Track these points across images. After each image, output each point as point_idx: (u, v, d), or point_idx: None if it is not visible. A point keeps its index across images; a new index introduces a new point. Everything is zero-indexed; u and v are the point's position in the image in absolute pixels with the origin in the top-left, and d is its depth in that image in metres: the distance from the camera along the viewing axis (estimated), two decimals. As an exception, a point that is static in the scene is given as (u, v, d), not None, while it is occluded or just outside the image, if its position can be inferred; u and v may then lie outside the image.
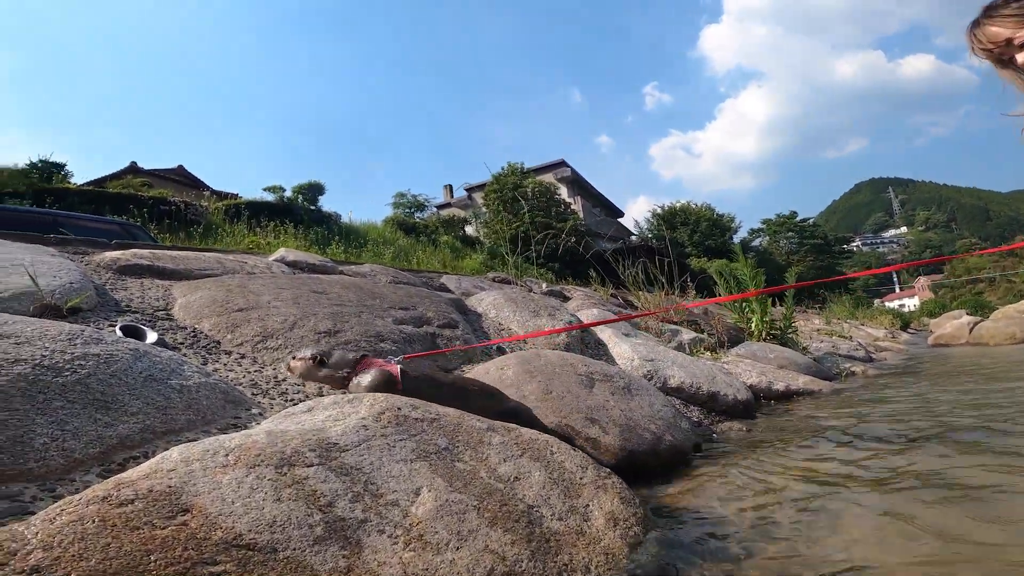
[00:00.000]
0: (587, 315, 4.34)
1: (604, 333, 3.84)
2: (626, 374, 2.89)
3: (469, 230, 27.14)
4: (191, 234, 13.99)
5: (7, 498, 0.90)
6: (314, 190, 24.38)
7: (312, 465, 1.04)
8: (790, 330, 6.41)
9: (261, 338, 2.08)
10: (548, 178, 29.26)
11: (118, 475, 0.86)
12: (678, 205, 42.64)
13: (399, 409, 1.41)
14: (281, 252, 3.52)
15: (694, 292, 7.38)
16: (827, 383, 4.98)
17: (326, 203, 24.99)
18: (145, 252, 2.85)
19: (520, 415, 1.96)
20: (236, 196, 20.90)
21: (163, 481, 0.83)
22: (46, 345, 1.24)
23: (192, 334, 2.07)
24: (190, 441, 1.26)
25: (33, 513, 0.86)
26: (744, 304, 6.43)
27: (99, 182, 20.04)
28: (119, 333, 1.92)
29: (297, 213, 19.62)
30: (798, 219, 45.99)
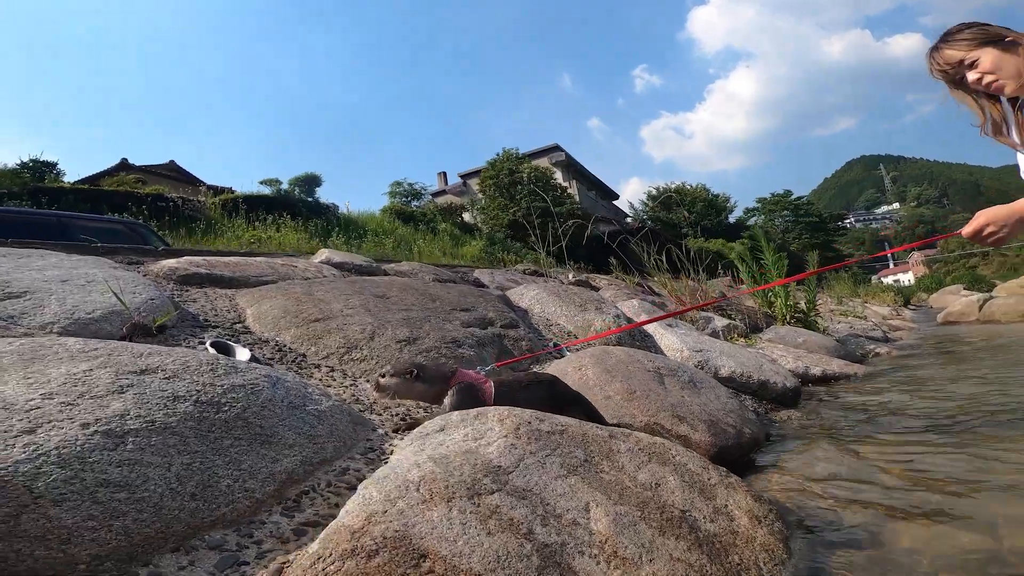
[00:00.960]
0: (627, 307, 4.33)
1: (649, 326, 3.83)
2: (686, 367, 2.89)
3: (466, 217, 27.04)
4: (192, 230, 13.84)
5: (215, 548, 0.87)
6: (310, 182, 24.08)
7: (493, 492, 1.02)
8: (813, 313, 6.43)
9: (346, 350, 2.05)
10: (543, 163, 29.18)
11: (336, 521, 0.84)
12: (673, 186, 42.62)
13: (530, 423, 1.40)
14: (325, 253, 3.47)
15: (705, 276, 7.34)
16: (859, 366, 5.01)
17: (323, 194, 24.88)
18: (199, 260, 2.81)
19: (600, 418, 1.95)
20: (231, 190, 20.73)
21: (388, 525, 0.81)
22: (194, 378, 1.20)
23: (277, 348, 2.03)
24: (342, 470, 1.24)
25: (247, 563, 0.84)
26: (768, 290, 6.45)
27: (92, 180, 19.74)
28: (211, 350, 1.88)
29: (295, 205, 19.51)
30: (792, 198, 46.05)
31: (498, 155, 27.73)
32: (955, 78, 1.72)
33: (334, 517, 0.88)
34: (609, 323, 3.50)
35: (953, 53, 1.69)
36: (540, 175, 26.23)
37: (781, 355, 4.62)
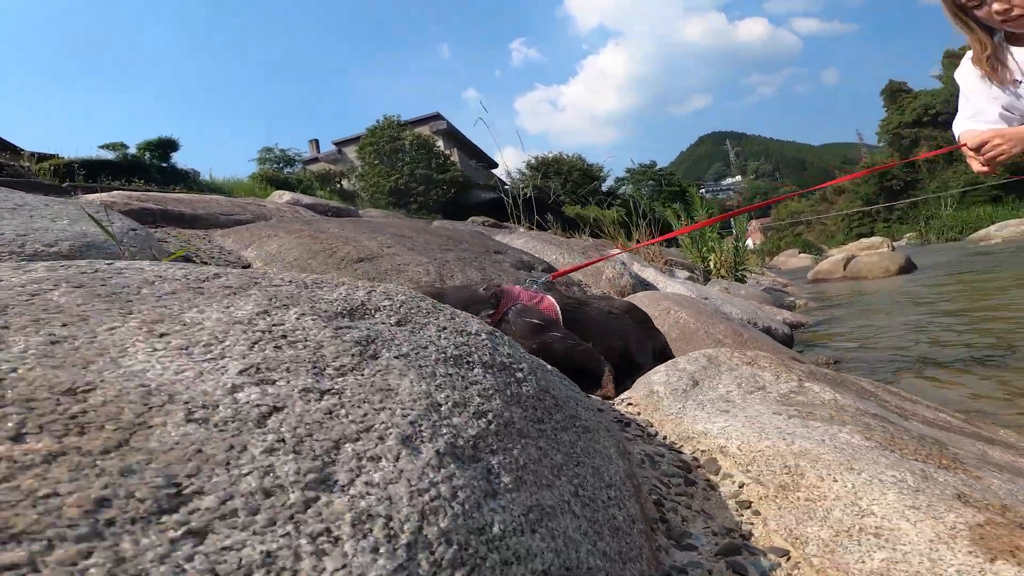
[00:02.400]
0: (619, 256, 4.08)
1: (647, 274, 3.62)
2: (728, 312, 2.71)
3: (345, 184, 25.95)
4: (21, 197, 11.45)
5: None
6: (165, 146, 21.37)
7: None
8: (741, 268, 6.70)
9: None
10: (424, 131, 28.59)
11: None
12: (551, 156, 43.98)
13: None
14: (287, 195, 2.78)
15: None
16: (802, 316, 5.25)
17: (180, 160, 22.16)
18: (137, 195, 2.04)
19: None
20: (59, 157, 17.72)
21: None
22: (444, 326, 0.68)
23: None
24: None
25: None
26: (702, 245, 6.59)
27: None
28: None
29: (147, 171, 17.23)
30: (656, 169, 49.33)
31: (379, 122, 26.70)
32: (976, 3, 1.69)
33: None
34: (620, 270, 3.21)
35: None
36: (423, 143, 25.78)
37: (743, 304, 4.68)
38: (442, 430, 0.47)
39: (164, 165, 19.59)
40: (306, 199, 2.78)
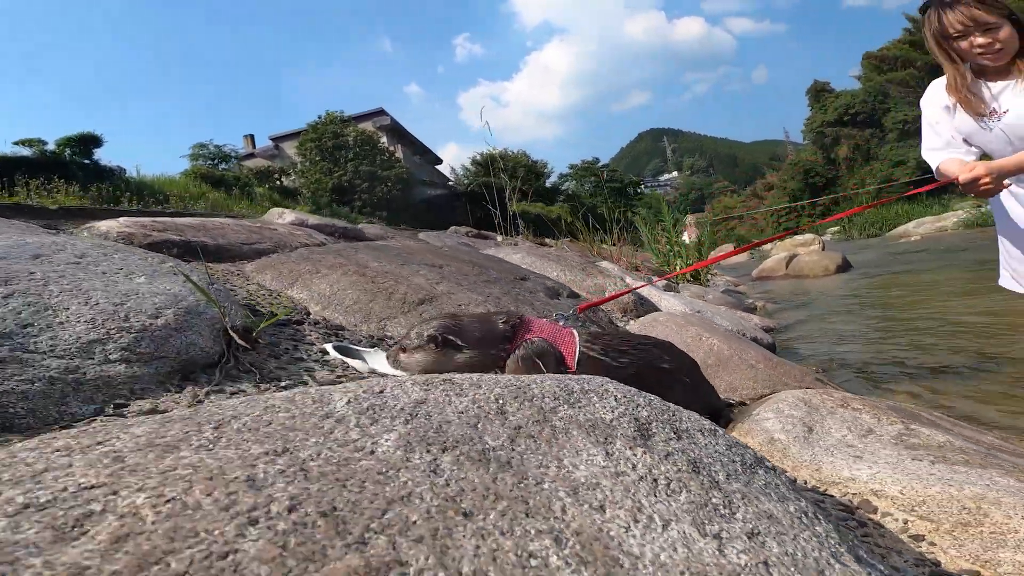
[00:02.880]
0: (621, 274, 4.13)
1: (645, 289, 3.70)
2: (720, 324, 2.82)
3: (285, 181, 25.28)
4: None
5: None
6: (87, 142, 20.01)
7: None
8: (708, 273, 6.94)
9: None
10: (367, 126, 28.18)
11: None
12: (496, 152, 43.96)
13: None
14: (288, 214, 2.64)
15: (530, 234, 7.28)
16: (769, 320, 5.50)
17: (104, 156, 20.82)
18: (147, 222, 1.90)
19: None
20: None
21: None
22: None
23: (389, 347, 1.41)
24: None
25: None
26: (669, 249, 6.78)
27: None
28: (332, 353, 1.23)
29: (68, 169, 16.19)
30: (599, 165, 50.30)
31: (320, 118, 25.99)
32: (961, 35, 1.86)
33: None
34: (619, 286, 3.26)
35: (982, 14, 1.82)
36: (367, 139, 25.42)
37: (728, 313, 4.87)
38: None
39: (87, 162, 18.49)
40: (312, 219, 2.66)
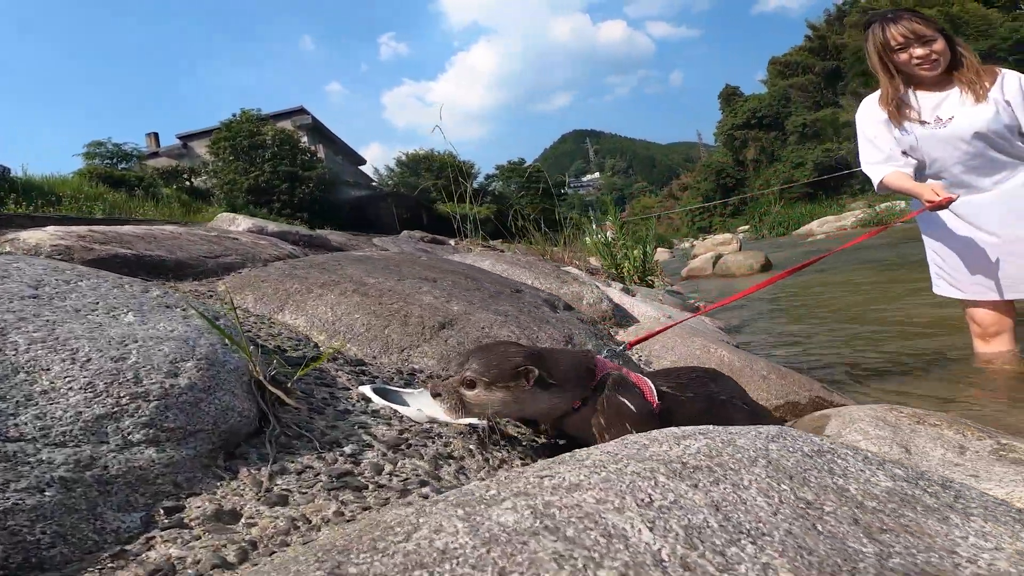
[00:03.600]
0: (592, 281, 4.04)
1: (610, 293, 3.65)
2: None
3: (195, 182, 24.00)
4: None
5: None
6: (-41, 140, 17.71)
7: None
8: (651, 274, 7.03)
9: None
10: (287, 125, 27.32)
11: None
12: (421, 152, 43.92)
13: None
14: (243, 222, 2.31)
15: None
16: (716, 320, 5.64)
17: (-19, 156, 18.71)
18: (83, 231, 1.56)
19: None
20: None
21: None
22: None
23: (423, 383, 1.21)
24: None
25: None
26: (614, 251, 6.82)
27: None
28: (375, 399, 1.02)
29: None
30: (525, 165, 50.93)
31: (235, 116, 24.70)
32: (901, 47, 2.02)
33: None
34: (595, 293, 3.18)
35: (922, 28, 2.00)
36: (286, 138, 24.60)
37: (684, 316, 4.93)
38: None
39: (-37, 161, 16.45)
40: (271, 227, 2.36)
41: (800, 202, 33.55)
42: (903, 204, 18.91)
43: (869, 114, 2.25)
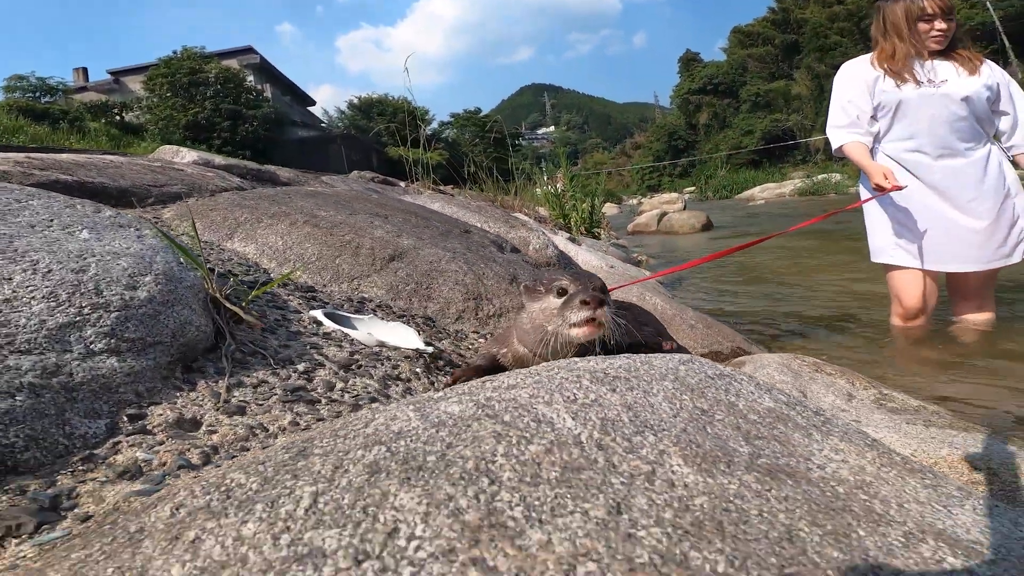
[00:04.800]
0: (539, 228, 4.10)
1: (558, 241, 3.75)
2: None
3: (127, 117, 22.66)
4: None
5: None
6: None
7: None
8: (597, 227, 7.20)
9: (474, 302, 1.41)
10: (233, 64, 25.95)
11: None
12: (375, 96, 42.55)
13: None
14: (188, 155, 2.21)
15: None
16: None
17: None
18: (21, 158, 1.50)
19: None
20: None
21: None
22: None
23: (389, 310, 1.26)
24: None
25: None
26: (563, 202, 6.92)
27: None
28: (327, 323, 1.07)
29: None
30: (481, 115, 49.81)
31: (175, 53, 23.59)
32: (930, 17, 2.20)
33: None
34: (541, 239, 3.27)
35: (950, 5, 2.24)
36: (230, 76, 23.44)
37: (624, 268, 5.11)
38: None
39: None
40: (218, 159, 2.28)
41: (745, 168, 34.47)
42: (837, 177, 19.90)
43: (855, 74, 2.37)
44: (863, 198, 2.45)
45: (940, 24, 2.19)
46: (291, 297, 1.17)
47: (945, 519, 0.52)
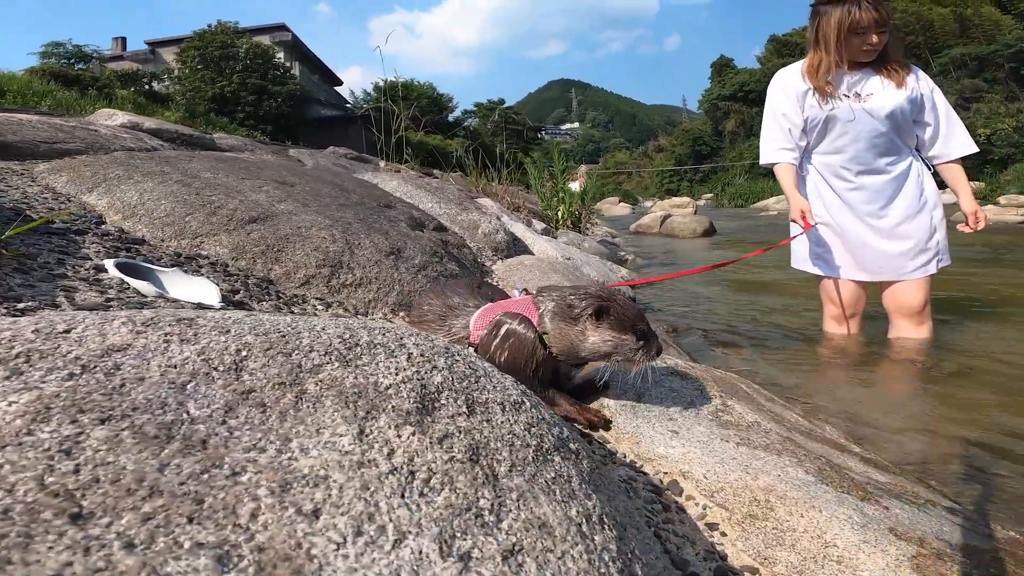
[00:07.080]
0: (499, 213, 4.05)
1: (517, 228, 3.70)
2: (588, 273, 2.90)
3: (156, 86, 23.20)
4: None
5: None
6: None
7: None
8: (584, 221, 7.13)
9: (330, 270, 1.37)
10: (265, 40, 26.46)
11: None
12: (401, 81, 42.82)
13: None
14: (120, 116, 2.21)
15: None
16: (637, 274, 5.81)
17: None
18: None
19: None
20: None
21: None
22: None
23: (211, 267, 1.23)
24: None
25: None
26: (553, 194, 6.86)
27: None
28: (116, 273, 1.04)
29: None
30: (504, 106, 49.82)
31: (210, 26, 23.90)
32: (864, 31, 2.10)
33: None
34: (494, 224, 3.22)
35: (886, 18, 2.11)
36: (260, 52, 23.86)
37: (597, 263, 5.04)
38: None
39: None
40: (148, 122, 2.26)
41: (765, 178, 34.05)
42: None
43: (786, 85, 2.35)
44: (791, 232, 2.44)
45: (872, 38, 2.11)
46: (100, 246, 1.14)
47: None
